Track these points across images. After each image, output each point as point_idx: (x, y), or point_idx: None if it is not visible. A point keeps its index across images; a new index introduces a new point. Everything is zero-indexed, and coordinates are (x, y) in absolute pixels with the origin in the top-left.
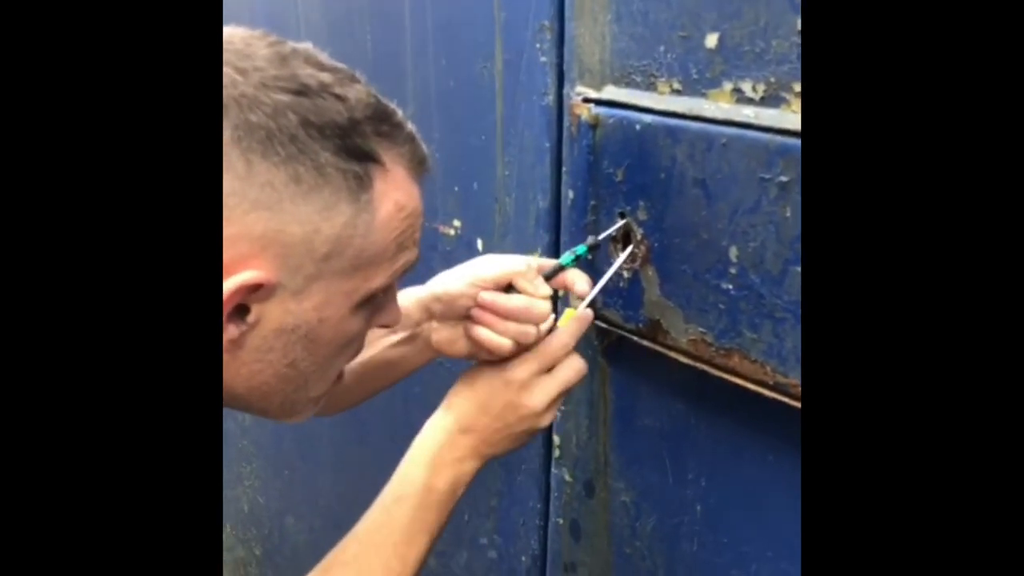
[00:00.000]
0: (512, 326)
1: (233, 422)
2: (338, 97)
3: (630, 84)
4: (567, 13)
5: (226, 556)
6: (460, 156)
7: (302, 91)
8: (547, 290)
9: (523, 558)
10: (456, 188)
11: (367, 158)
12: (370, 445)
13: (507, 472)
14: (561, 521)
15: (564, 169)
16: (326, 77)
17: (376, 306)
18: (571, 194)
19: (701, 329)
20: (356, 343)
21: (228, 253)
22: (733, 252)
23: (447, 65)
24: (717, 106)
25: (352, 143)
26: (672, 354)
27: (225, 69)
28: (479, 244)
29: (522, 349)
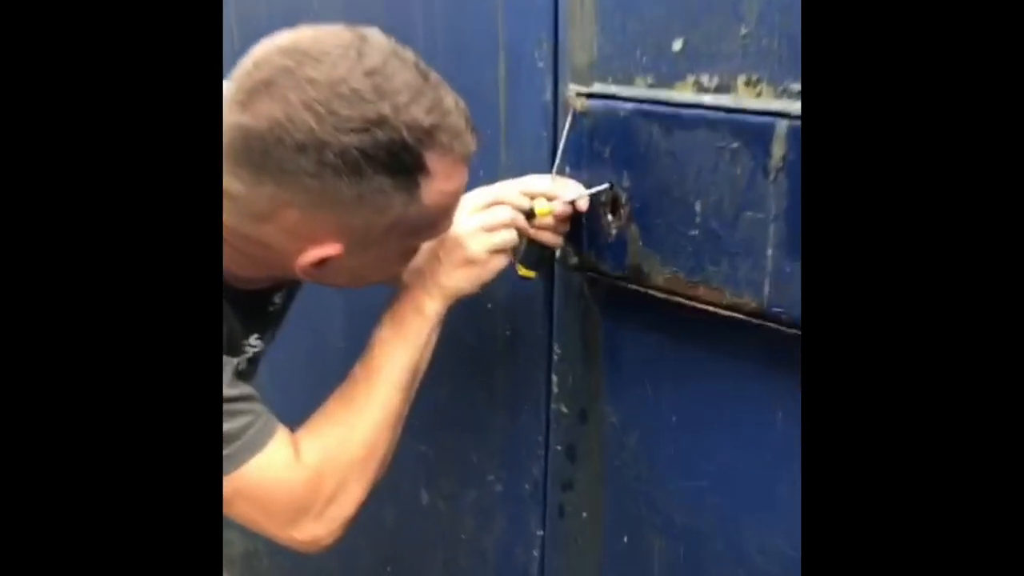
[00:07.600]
0: None
1: None
2: (401, 124)
3: (615, 80)
4: (560, 26)
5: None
6: None
7: (365, 129)
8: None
9: (526, 485)
10: None
11: (418, 171)
12: None
13: (511, 413)
14: (559, 447)
15: (561, 149)
16: (401, 99)
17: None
18: (567, 170)
19: (674, 269)
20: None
21: (316, 235)
22: (698, 206)
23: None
24: (681, 94)
25: (405, 163)
26: (651, 292)
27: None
28: None
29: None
